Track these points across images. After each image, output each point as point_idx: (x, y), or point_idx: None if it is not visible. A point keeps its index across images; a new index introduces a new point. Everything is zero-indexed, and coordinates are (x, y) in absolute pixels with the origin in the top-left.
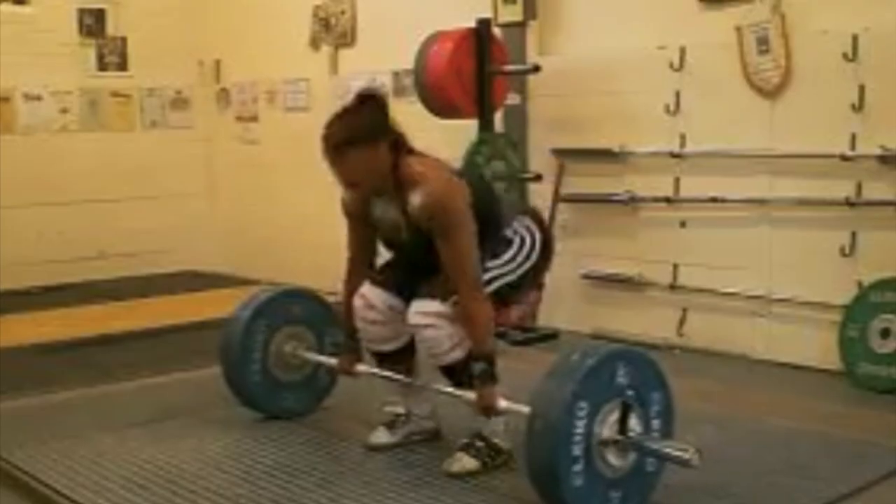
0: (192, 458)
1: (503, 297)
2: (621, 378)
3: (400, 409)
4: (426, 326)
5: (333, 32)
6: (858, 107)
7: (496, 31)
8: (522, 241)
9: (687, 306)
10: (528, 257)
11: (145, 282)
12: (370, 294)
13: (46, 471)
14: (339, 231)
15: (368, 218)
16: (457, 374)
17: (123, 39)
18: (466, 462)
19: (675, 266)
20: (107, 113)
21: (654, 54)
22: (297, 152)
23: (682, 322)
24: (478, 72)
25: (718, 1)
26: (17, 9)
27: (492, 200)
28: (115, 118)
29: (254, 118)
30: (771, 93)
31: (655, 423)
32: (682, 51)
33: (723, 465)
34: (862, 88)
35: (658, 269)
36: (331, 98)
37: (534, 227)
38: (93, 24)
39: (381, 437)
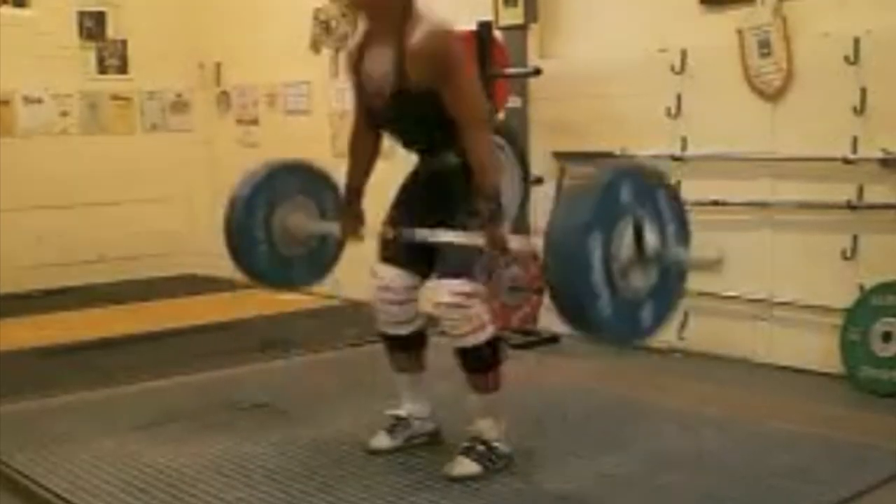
0: (192, 462)
1: None
2: (626, 196)
3: (401, 412)
4: (456, 306)
5: (334, 35)
6: (860, 110)
7: (497, 33)
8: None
9: (688, 310)
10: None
11: (146, 285)
12: (386, 275)
13: (46, 475)
14: None
15: (360, 75)
16: (473, 358)
17: (124, 42)
18: (468, 466)
19: None
20: (107, 116)
21: (655, 57)
22: (297, 155)
23: (682, 326)
24: (479, 74)
25: (719, 4)
26: (18, 11)
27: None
28: (115, 121)
29: (254, 121)
30: (772, 96)
31: (671, 231)
32: (684, 54)
33: (723, 468)
34: (863, 91)
35: None
36: (332, 101)
37: (505, 145)
38: (93, 26)
39: (382, 441)
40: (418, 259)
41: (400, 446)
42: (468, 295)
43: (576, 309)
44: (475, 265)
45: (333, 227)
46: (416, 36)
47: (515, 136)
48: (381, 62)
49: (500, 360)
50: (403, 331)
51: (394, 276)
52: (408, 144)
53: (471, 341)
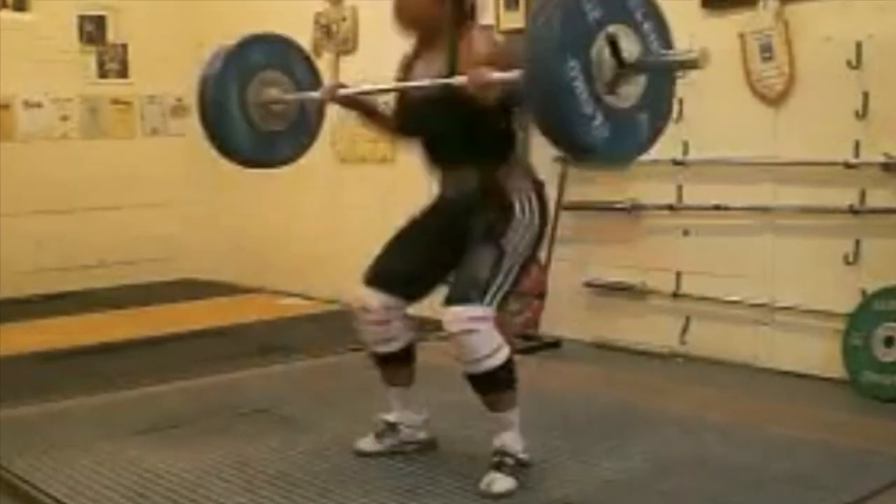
0: (192, 467)
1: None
2: (593, 12)
3: (390, 418)
4: (469, 332)
5: (335, 39)
6: (862, 114)
7: (498, 37)
8: (522, 204)
9: (690, 315)
10: (532, 221)
11: (146, 290)
12: (364, 296)
13: (46, 480)
14: (339, 240)
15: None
16: (491, 382)
17: (124, 46)
18: (504, 482)
19: (678, 274)
20: (107, 120)
21: None
22: (299, 160)
23: (684, 330)
24: None
25: (721, 7)
26: (18, 15)
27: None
28: (115, 125)
29: None
30: (774, 100)
31: (652, 38)
32: None
33: (725, 473)
34: (866, 96)
35: (661, 278)
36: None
37: (529, 190)
38: (93, 30)
39: (368, 444)
40: (407, 282)
41: (385, 451)
42: (479, 319)
43: (573, 139)
44: (487, 290)
45: (313, 95)
46: (481, 43)
47: (537, 179)
48: (433, 68)
49: (515, 379)
50: (389, 348)
51: (371, 296)
52: (435, 155)
53: (487, 366)
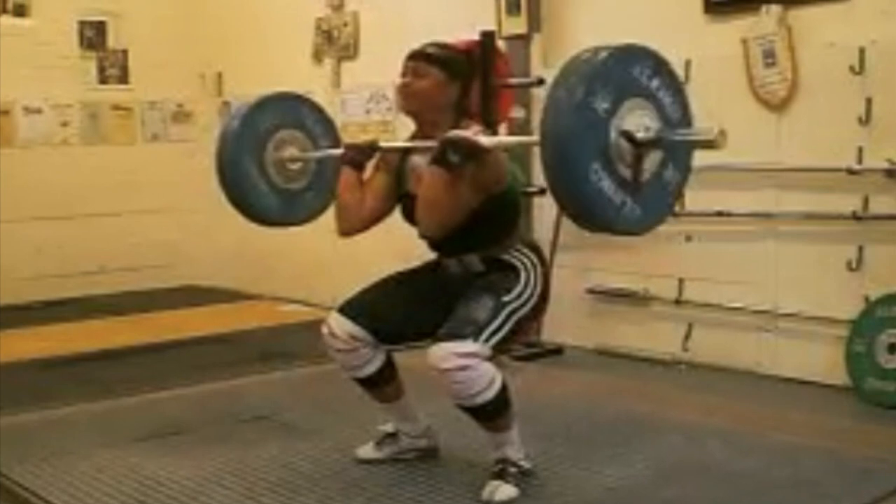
0: (193, 474)
1: (517, 330)
2: (602, 104)
3: (389, 428)
4: (461, 368)
5: (336, 45)
6: (865, 120)
7: (500, 43)
8: (527, 268)
9: (692, 321)
10: (535, 285)
11: (146, 297)
12: (332, 322)
13: (46, 487)
14: (338, 247)
15: (400, 173)
16: (485, 413)
17: (124, 52)
18: (507, 490)
19: (681, 280)
20: (108, 126)
21: None
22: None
23: (687, 337)
24: (482, 85)
25: (724, 13)
26: (18, 21)
27: (518, 202)
28: (116, 131)
29: None
30: (777, 106)
31: (669, 107)
32: (687, 63)
33: (728, 480)
34: (869, 101)
35: (663, 284)
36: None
37: (534, 258)
38: (93, 36)
39: (368, 452)
40: (380, 320)
41: (385, 459)
42: (471, 355)
43: (610, 228)
44: (483, 330)
45: (333, 152)
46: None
47: (542, 253)
48: (425, 163)
49: (510, 401)
50: (363, 373)
51: (339, 323)
52: (436, 245)
53: (481, 399)
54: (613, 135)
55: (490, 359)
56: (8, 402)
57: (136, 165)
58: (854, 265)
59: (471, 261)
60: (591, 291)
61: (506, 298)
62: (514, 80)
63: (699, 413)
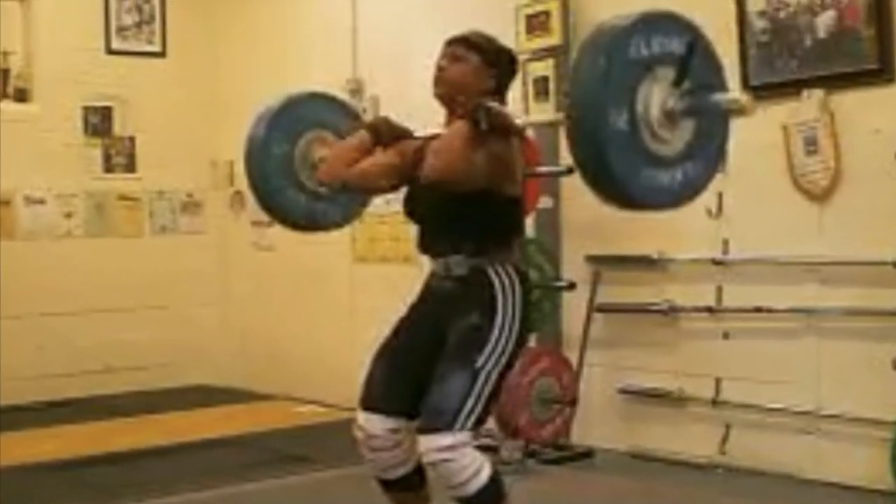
0: None
1: (499, 384)
2: (642, 51)
3: None
4: (444, 461)
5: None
6: None
7: (528, 132)
8: (504, 293)
9: (730, 423)
10: (513, 317)
11: (154, 397)
12: (366, 424)
13: None
14: (356, 345)
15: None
16: (479, 501)
17: (131, 139)
18: None
19: (718, 380)
20: (114, 217)
21: None
22: (314, 260)
23: (724, 440)
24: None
25: (763, 98)
26: (19, 106)
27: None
28: (122, 223)
29: (270, 223)
30: (819, 196)
31: (702, 77)
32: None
33: None
34: None
35: (699, 384)
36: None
37: (515, 280)
38: (99, 122)
39: None
40: (402, 396)
41: None
42: (450, 448)
43: (623, 192)
44: (457, 418)
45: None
46: None
47: (527, 277)
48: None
49: (504, 494)
50: (398, 473)
51: (375, 422)
52: (429, 239)
53: (472, 488)
54: (646, 85)
55: (475, 434)
56: None
57: (144, 259)
58: None
59: (457, 263)
60: (623, 391)
61: (479, 363)
62: (542, 169)
63: None
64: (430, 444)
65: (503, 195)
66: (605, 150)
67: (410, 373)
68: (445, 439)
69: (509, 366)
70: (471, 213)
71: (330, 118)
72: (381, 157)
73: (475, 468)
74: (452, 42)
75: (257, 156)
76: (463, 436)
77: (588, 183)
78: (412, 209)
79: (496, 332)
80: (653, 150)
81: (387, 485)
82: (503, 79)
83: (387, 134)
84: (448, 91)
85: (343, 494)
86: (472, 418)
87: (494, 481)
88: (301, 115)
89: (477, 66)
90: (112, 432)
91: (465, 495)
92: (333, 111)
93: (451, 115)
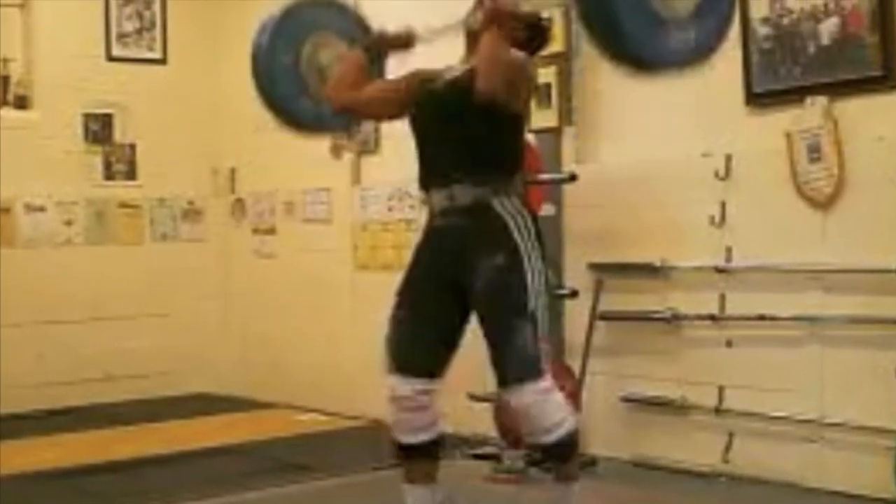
0: None
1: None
2: None
3: None
4: (541, 402)
5: (355, 139)
6: None
7: (530, 137)
8: (520, 232)
9: (733, 431)
10: (535, 253)
11: (154, 405)
12: (397, 386)
13: None
14: (358, 354)
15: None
16: (560, 449)
17: (132, 146)
18: None
19: (721, 388)
20: (114, 225)
21: (698, 162)
22: (315, 268)
23: (728, 448)
24: None
25: (766, 105)
26: (19, 114)
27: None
28: (122, 230)
29: (271, 230)
30: (823, 203)
31: None
32: (728, 158)
33: None
34: None
35: (702, 392)
36: (354, 210)
37: (525, 213)
38: (99, 130)
39: None
40: (428, 354)
41: None
42: (546, 390)
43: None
44: (539, 361)
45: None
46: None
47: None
48: (456, 70)
49: (577, 446)
50: (421, 438)
51: (405, 384)
52: (433, 166)
53: (561, 431)
54: None
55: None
56: None
57: (145, 266)
58: None
59: (462, 194)
60: (625, 399)
61: (531, 305)
62: (544, 177)
63: None
64: (529, 390)
65: (510, 110)
66: (616, 11)
67: (434, 326)
68: (543, 383)
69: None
70: (482, 130)
71: (333, 21)
72: (387, 84)
73: (566, 411)
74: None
75: (263, 63)
76: (550, 376)
77: (601, 49)
78: (420, 125)
79: (527, 265)
80: (663, 10)
81: (408, 451)
82: (536, 41)
83: (382, 46)
84: (485, 23)
85: (345, 503)
86: (546, 356)
87: (576, 434)
88: (304, 20)
89: (515, 12)
90: (112, 441)
91: (554, 439)
92: (335, 14)
93: (470, 50)
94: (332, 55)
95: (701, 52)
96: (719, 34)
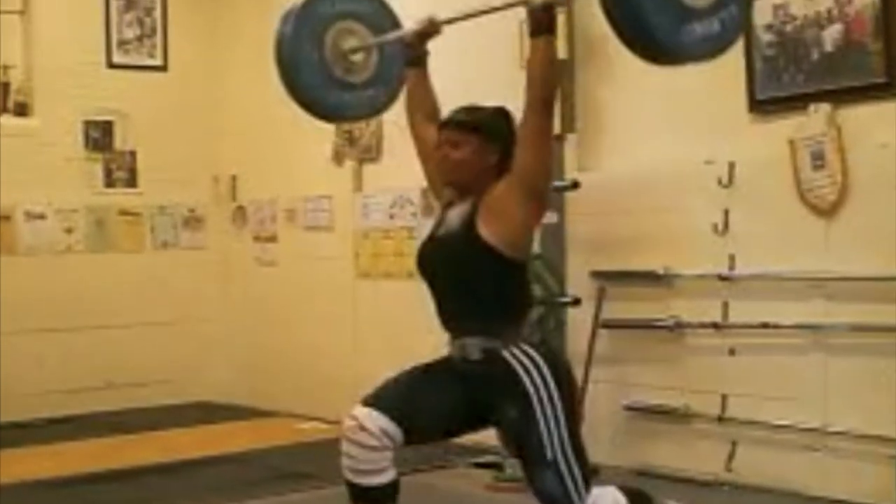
0: None
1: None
2: None
3: None
4: None
5: (358, 146)
6: None
7: None
8: (530, 374)
9: (736, 439)
10: (550, 393)
11: (155, 414)
12: (363, 416)
13: None
14: (359, 362)
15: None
16: None
17: (132, 153)
18: None
19: (724, 396)
20: (115, 233)
21: (701, 169)
22: (317, 275)
23: (731, 456)
24: None
25: (769, 112)
26: (20, 121)
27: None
28: (123, 238)
29: (272, 238)
30: (826, 211)
31: None
32: (731, 166)
33: None
34: None
35: (705, 400)
36: (355, 217)
37: (534, 354)
38: (100, 137)
39: None
40: (410, 415)
41: None
42: None
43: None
44: (569, 494)
45: (398, 34)
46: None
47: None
48: (457, 212)
49: None
50: (378, 481)
51: (373, 418)
52: (442, 311)
53: None
54: None
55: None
56: None
57: (145, 274)
58: None
59: (473, 350)
60: (628, 408)
61: (549, 455)
62: None
63: None
64: None
65: (514, 260)
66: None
67: (427, 405)
68: None
69: (571, 422)
70: (487, 282)
71: (357, 8)
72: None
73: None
74: (445, 126)
75: (287, 52)
76: (586, 499)
77: (627, 43)
78: (425, 269)
79: (539, 415)
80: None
81: (357, 494)
82: (507, 143)
83: (418, 49)
84: (456, 178)
85: None
86: (581, 483)
87: None
88: (326, 8)
89: (477, 147)
90: (113, 449)
91: None
92: (359, 1)
93: (460, 193)
94: (356, 42)
95: (725, 41)
96: (742, 19)
